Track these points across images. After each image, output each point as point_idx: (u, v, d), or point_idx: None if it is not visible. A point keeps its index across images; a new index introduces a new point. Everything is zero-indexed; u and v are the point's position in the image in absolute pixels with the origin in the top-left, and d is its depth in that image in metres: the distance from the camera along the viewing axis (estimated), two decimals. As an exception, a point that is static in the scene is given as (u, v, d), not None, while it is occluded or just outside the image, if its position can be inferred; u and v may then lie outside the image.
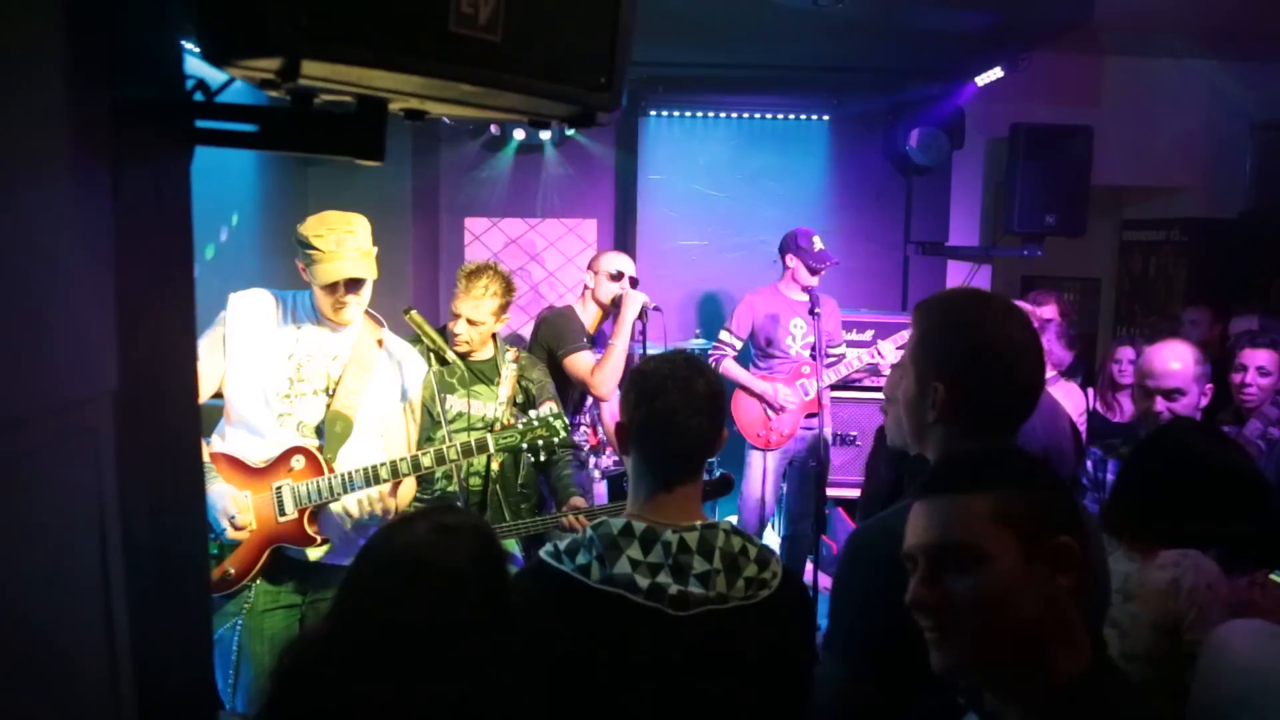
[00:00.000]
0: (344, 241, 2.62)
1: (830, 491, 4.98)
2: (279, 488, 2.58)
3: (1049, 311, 4.87)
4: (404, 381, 2.89)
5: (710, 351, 4.89)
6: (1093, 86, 6.28)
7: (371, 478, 2.62)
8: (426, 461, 2.68)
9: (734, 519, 5.14)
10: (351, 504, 2.62)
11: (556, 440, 2.85)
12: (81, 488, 0.94)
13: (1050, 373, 3.98)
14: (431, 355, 3.22)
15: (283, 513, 2.58)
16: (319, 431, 2.67)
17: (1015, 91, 5.75)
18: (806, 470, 4.85)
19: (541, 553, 1.67)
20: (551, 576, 1.63)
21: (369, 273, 2.66)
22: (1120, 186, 6.51)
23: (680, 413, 1.66)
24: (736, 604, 1.61)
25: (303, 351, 2.68)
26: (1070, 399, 4.30)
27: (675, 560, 1.61)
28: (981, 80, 5.45)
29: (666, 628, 1.58)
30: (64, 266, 0.91)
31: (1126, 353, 4.70)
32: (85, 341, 0.94)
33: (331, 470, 2.62)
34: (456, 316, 3.29)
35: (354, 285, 2.66)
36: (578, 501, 3.20)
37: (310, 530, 2.61)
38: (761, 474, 4.89)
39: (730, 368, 4.84)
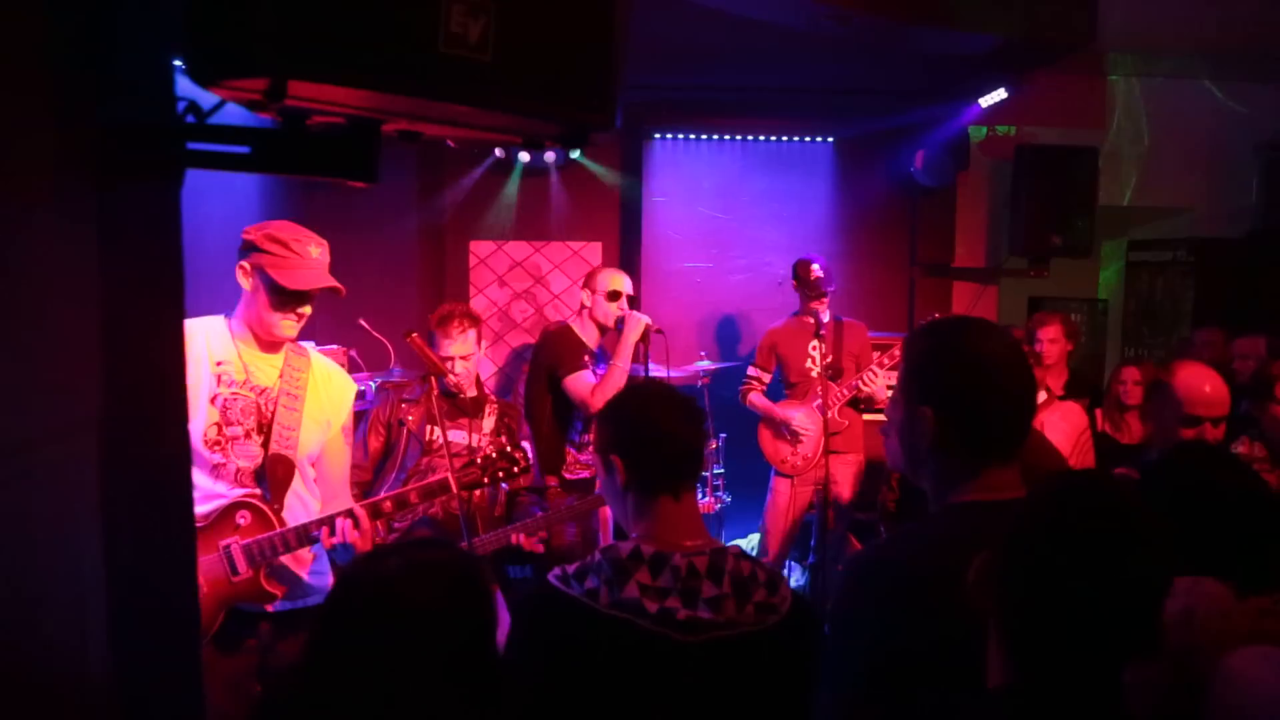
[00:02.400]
0: (319, 251, 2.49)
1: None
2: (227, 547, 2.39)
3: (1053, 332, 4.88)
4: (336, 403, 2.71)
5: (741, 386, 4.96)
6: (1097, 107, 6.28)
7: (330, 529, 2.46)
8: (388, 506, 2.55)
9: (753, 540, 5.12)
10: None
11: (517, 469, 2.77)
12: (61, 517, 0.92)
13: (1040, 395, 3.94)
14: (432, 379, 3.23)
15: (235, 572, 2.40)
16: (258, 478, 2.49)
17: (1020, 112, 5.75)
18: (831, 498, 4.82)
19: (550, 577, 1.66)
20: (559, 601, 1.61)
21: (336, 284, 2.50)
22: (1126, 207, 6.49)
23: (682, 424, 1.72)
24: (746, 630, 1.60)
25: (227, 391, 2.47)
26: (1067, 420, 4.26)
27: (685, 585, 1.59)
28: (985, 101, 5.45)
29: (675, 654, 1.57)
30: (46, 290, 0.90)
31: (1131, 374, 4.66)
32: (67, 367, 0.93)
33: (281, 520, 2.47)
34: (449, 360, 3.30)
35: (308, 299, 2.50)
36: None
37: (269, 587, 2.46)
38: (787, 501, 4.86)
39: (756, 400, 4.90)
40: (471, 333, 3.36)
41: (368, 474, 3.26)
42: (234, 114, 1.11)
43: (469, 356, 3.38)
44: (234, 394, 2.48)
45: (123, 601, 1.01)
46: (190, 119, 1.11)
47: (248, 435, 2.48)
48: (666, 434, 1.71)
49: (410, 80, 0.94)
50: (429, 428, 3.22)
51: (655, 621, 1.56)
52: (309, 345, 2.68)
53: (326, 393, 2.66)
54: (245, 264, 2.46)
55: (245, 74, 0.88)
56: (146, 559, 1.08)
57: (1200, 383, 2.81)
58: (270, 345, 2.55)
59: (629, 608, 1.57)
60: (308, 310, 2.51)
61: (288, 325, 2.49)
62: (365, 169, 1.13)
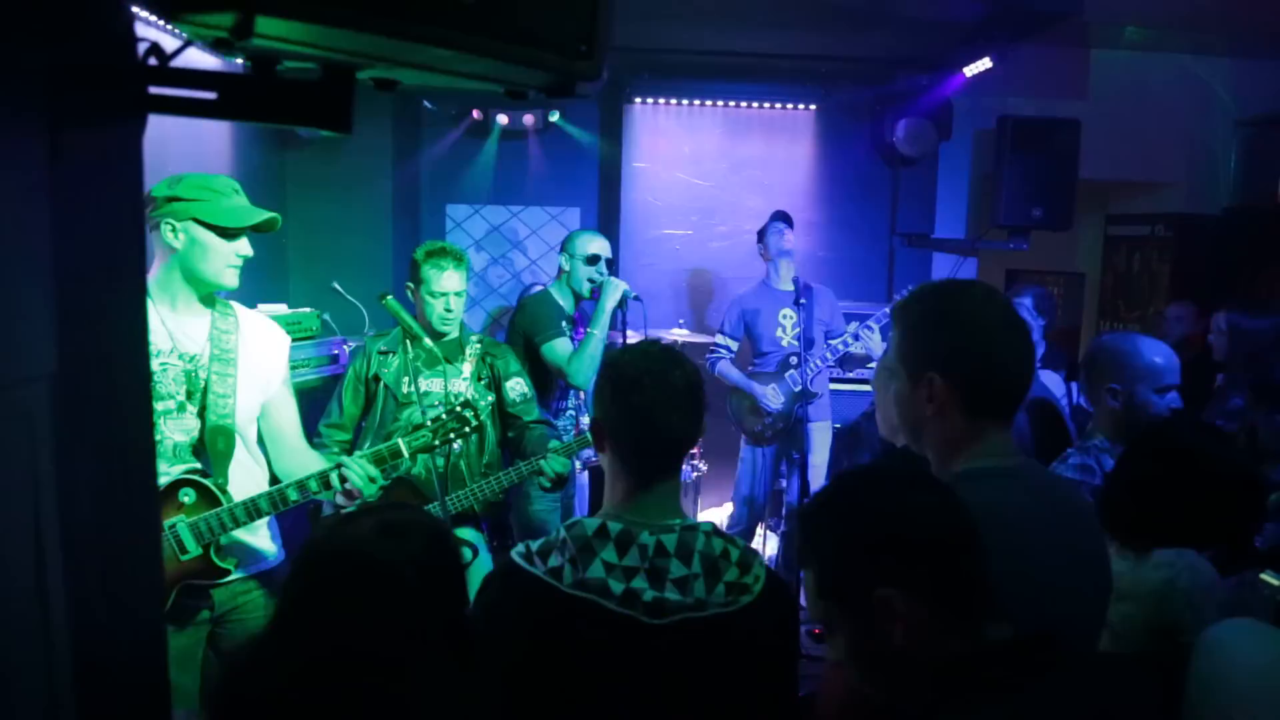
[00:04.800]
0: (238, 190, 2.38)
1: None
2: (173, 526, 2.31)
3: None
4: (272, 360, 2.59)
5: (706, 354, 4.88)
6: (1081, 80, 6.25)
7: (279, 501, 2.42)
8: (334, 479, 2.48)
9: (725, 511, 5.12)
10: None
11: (468, 429, 2.73)
12: (12, 478, 0.87)
13: None
14: (406, 341, 3.17)
15: (185, 552, 2.33)
16: (197, 452, 2.40)
17: (1003, 84, 5.71)
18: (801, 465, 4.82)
19: (512, 553, 1.59)
20: (521, 579, 1.54)
21: (274, 214, 2.40)
22: (1106, 181, 6.49)
23: (658, 408, 1.59)
24: (716, 611, 1.53)
25: (153, 361, 2.32)
26: (1049, 386, 4.29)
27: (652, 564, 1.52)
28: (970, 71, 5.40)
29: (641, 637, 1.50)
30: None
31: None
32: (17, 320, 0.87)
33: (227, 495, 2.39)
34: (441, 295, 3.22)
35: (244, 237, 2.39)
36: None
37: (220, 562, 2.40)
38: (753, 469, 4.85)
39: (725, 370, 4.83)
40: (464, 268, 3.28)
41: (348, 433, 3.20)
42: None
43: (462, 293, 3.29)
44: (161, 364, 2.36)
45: (81, 564, 0.97)
46: (152, 62, 1.05)
47: (179, 408, 2.38)
48: (654, 425, 1.59)
49: (388, 19, 0.88)
50: (404, 380, 3.16)
51: (620, 603, 1.50)
52: (234, 303, 2.56)
53: (260, 351, 2.55)
54: (171, 220, 2.31)
55: (209, 6, 0.82)
56: (105, 526, 1.03)
57: (1167, 352, 2.79)
58: (193, 308, 2.43)
59: (593, 588, 1.50)
60: (248, 252, 2.42)
61: (232, 271, 2.39)
62: (339, 117, 1.07)
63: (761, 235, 5.01)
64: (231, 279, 2.41)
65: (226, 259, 2.37)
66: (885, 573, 1.18)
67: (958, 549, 1.20)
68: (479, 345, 3.36)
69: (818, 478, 4.82)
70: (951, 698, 1.16)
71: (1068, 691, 1.17)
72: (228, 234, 2.34)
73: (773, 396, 4.73)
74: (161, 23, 1.83)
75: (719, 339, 4.90)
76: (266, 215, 2.37)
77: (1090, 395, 2.60)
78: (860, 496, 1.26)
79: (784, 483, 5.10)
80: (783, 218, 5.01)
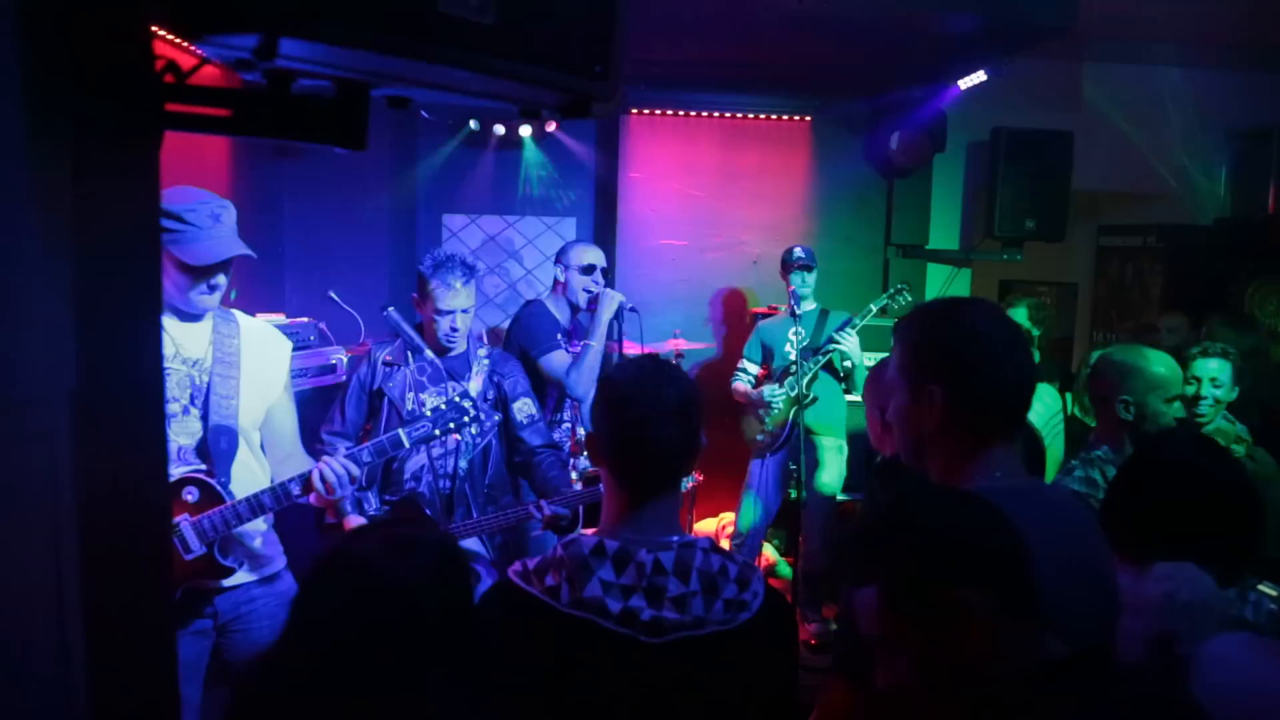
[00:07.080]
0: (219, 216, 2.33)
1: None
2: (177, 525, 2.33)
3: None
4: (274, 365, 2.62)
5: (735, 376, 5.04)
6: (1074, 92, 6.29)
7: (283, 496, 2.44)
8: (315, 478, 2.49)
9: (723, 519, 5.14)
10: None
11: (466, 420, 2.75)
12: (34, 493, 0.87)
13: None
14: (409, 354, 3.16)
15: (188, 550, 2.34)
16: (201, 454, 2.43)
17: (998, 96, 5.75)
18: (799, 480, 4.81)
19: (510, 572, 1.59)
20: (518, 598, 1.53)
21: (246, 249, 2.39)
22: (1099, 192, 6.53)
23: (650, 424, 1.57)
24: (714, 629, 1.52)
25: None
26: (1040, 402, 4.29)
27: (650, 582, 1.51)
28: (965, 83, 5.43)
29: (639, 656, 1.49)
30: (16, 254, 0.84)
31: (1101, 359, 4.70)
32: (39, 336, 0.88)
33: (229, 493, 2.41)
34: (448, 313, 3.17)
35: (225, 266, 2.39)
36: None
37: (223, 562, 2.41)
38: (759, 481, 4.86)
39: (737, 389, 4.96)
40: (472, 283, 3.22)
41: (350, 440, 3.19)
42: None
43: (469, 309, 3.23)
44: (165, 369, 2.38)
45: (96, 578, 0.97)
46: (168, 80, 1.06)
47: (184, 410, 2.40)
48: (649, 441, 1.57)
49: (407, 41, 0.89)
50: (410, 395, 3.15)
51: (618, 622, 1.48)
52: (235, 310, 2.58)
53: (262, 356, 2.57)
54: None
55: (234, 29, 0.83)
56: (120, 541, 1.04)
57: (1171, 365, 2.82)
58: (192, 315, 2.45)
59: (591, 607, 1.49)
60: (223, 280, 2.41)
61: (204, 299, 2.40)
62: (353, 135, 1.08)
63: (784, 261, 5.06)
64: (205, 304, 2.42)
65: (196, 289, 2.36)
66: (964, 574, 1.20)
67: (1020, 558, 1.22)
68: (487, 362, 3.32)
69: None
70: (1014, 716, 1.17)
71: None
72: (192, 270, 2.32)
73: (770, 393, 4.75)
74: (176, 40, 1.82)
75: (741, 364, 5.06)
76: (230, 255, 2.34)
77: (1095, 407, 2.62)
78: (925, 512, 1.28)
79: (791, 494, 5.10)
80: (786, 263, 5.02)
